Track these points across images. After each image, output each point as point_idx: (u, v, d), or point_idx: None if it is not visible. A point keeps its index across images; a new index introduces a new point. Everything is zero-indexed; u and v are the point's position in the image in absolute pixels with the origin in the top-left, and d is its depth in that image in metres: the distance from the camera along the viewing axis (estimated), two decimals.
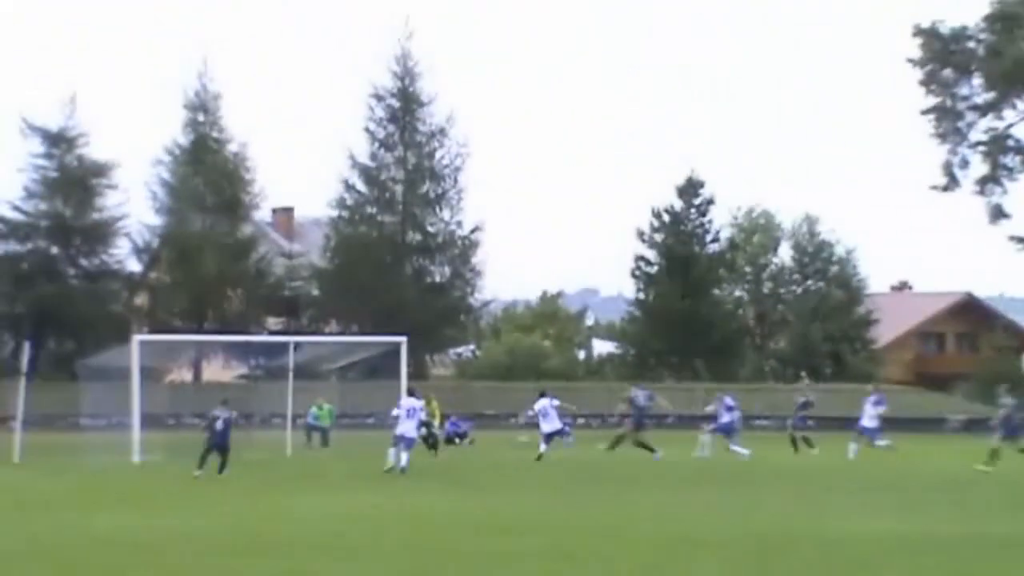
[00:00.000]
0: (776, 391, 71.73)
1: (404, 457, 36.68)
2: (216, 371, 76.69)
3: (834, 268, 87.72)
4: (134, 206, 77.18)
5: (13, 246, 74.79)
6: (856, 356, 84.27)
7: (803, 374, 58.06)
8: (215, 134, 76.25)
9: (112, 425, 51.64)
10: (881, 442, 45.04)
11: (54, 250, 74.93)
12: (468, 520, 25.02)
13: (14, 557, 20.14)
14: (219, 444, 36.12)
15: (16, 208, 74.27)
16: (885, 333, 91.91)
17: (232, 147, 76.33)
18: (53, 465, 40.61)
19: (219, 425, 36.28)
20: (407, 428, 37.19)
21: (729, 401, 47.18)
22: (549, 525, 24.28)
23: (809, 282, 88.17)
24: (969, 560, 20.01)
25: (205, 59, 76.11)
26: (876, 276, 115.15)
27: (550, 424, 43.91)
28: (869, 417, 45.67)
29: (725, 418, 46.71)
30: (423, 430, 41.31)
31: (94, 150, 75.24)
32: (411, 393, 39.61)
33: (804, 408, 49.16)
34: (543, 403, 44.33)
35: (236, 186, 75.81)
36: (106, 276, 76.15)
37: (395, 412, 37.84)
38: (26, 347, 47.62)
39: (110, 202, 75.57)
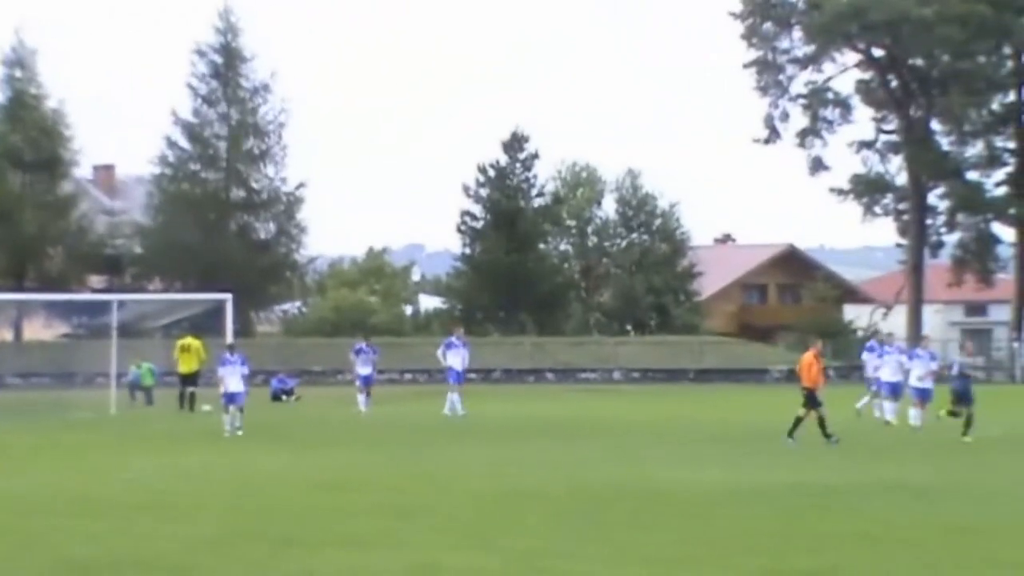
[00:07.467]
0: (602, 344, 72.32)
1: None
2: (38, 330, 75.46)
3: (658, 221, 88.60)
4: None
5: None
6: (680, 308, 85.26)
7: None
8: (33, 90, 75.05)
9: None
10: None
11: None
12: (297, 477, 24.86)
13: None
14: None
15: None
16: (709, 285, 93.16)
17: (50, 104, 75.25)
18: None
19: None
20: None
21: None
22: (379, 481, 24.23)
23: (633, 235, 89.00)
24: (796, 508, 20.29)
25: (22, 14, 74.70)
26: (700, 229, 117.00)
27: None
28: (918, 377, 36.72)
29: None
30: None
31: None
32: (232, 350, 39.15)
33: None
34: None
35: (55, 143, 74.66)
36: None
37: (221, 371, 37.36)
38: None
39: None
